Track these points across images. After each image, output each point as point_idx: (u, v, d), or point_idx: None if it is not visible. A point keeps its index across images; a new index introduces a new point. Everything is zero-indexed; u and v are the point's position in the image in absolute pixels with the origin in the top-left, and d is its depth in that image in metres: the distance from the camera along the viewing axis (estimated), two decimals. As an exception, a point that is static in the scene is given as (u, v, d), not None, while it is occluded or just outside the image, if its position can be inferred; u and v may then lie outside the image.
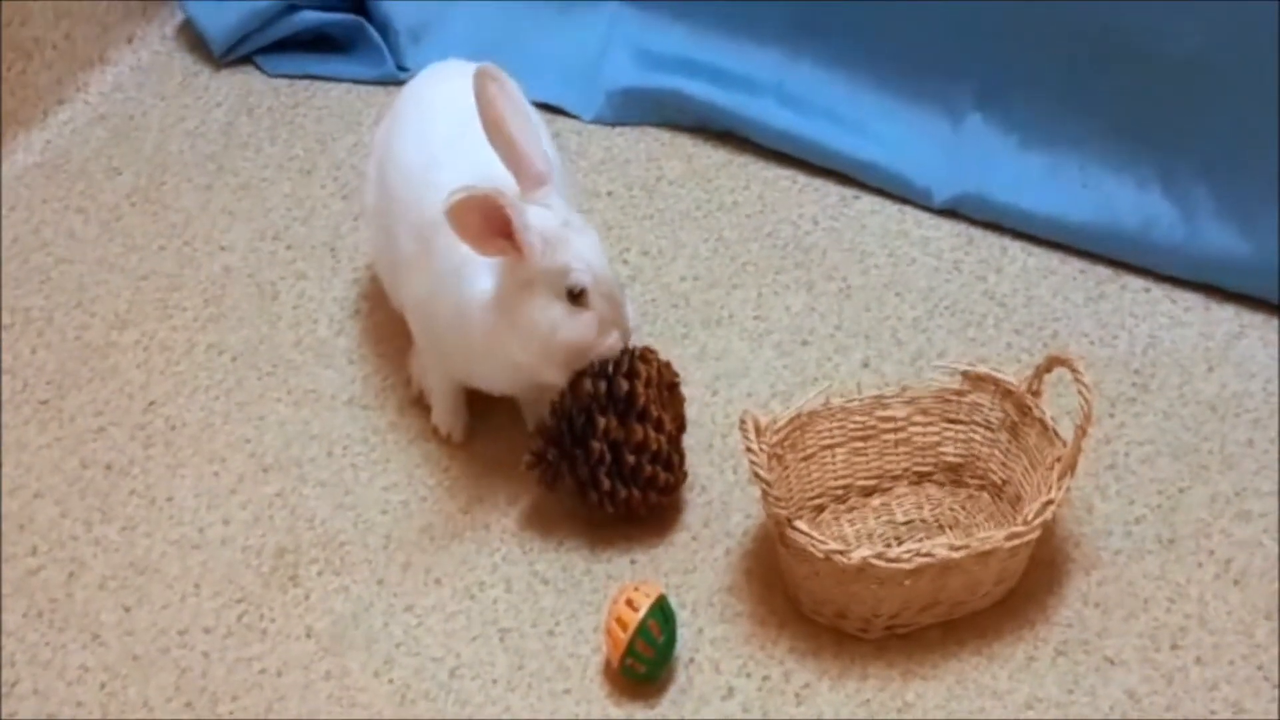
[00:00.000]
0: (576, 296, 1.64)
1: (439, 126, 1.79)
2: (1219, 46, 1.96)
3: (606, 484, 1.70)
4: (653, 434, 1.70)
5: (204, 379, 1.93)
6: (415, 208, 1.74)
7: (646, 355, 1.71)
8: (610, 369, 1.68)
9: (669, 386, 1.74)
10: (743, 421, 1.63)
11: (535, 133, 1.67)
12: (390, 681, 1.62)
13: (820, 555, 1.56)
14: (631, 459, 1.69)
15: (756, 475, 1.58)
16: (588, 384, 1.68)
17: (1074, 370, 1.62)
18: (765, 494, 1.58)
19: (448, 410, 1.84)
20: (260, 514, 1.78)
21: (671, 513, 1.76)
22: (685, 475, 1.75)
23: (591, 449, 1.69)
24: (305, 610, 1.69)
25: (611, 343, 1.67)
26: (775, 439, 1.67)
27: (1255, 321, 1.97)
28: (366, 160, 1.93)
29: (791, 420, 1.70)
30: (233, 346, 1.97)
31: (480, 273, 1.66)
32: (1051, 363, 1.67)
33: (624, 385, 1.68)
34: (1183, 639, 1.64)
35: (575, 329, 1.65)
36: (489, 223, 1.58)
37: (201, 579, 1.72)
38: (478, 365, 1.73)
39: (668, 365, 1.74)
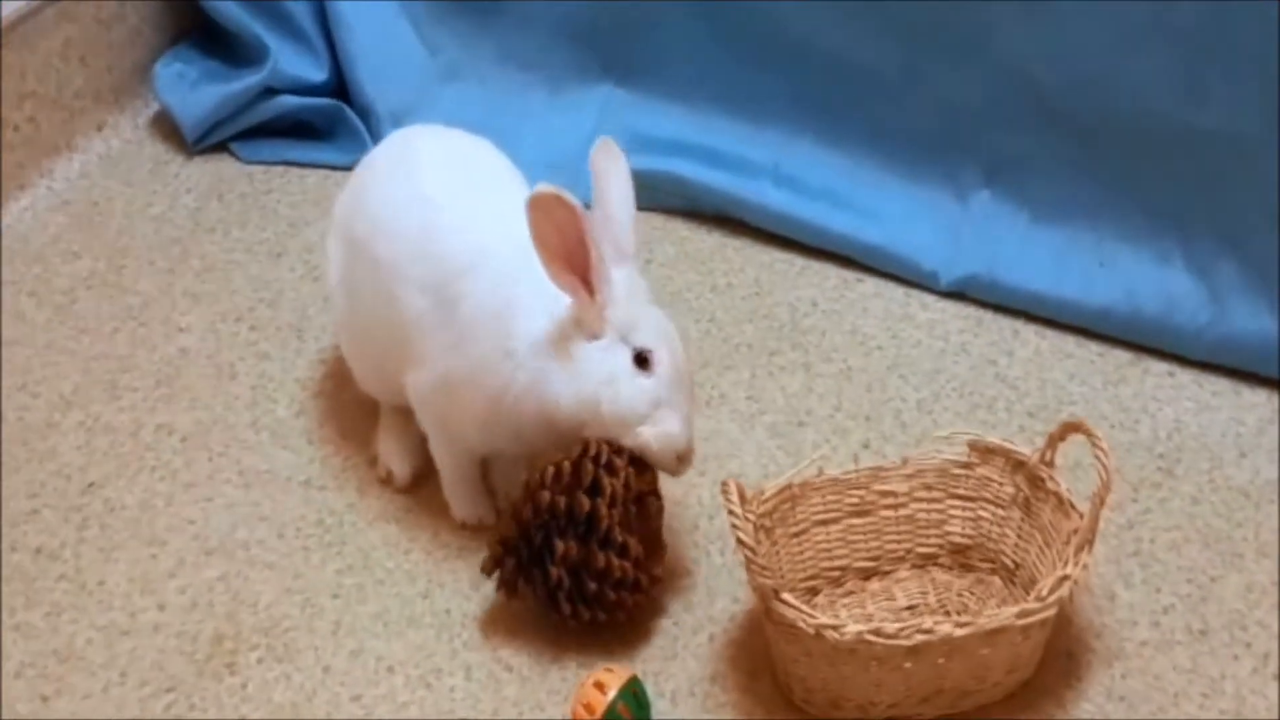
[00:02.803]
0: (641, 360, 1.50)
1: (428, 178, 1.66)
2: (1240, 115, 1.83)
3: (567, 608, 1.52)
4: (616, 561, 1.51)
5: (150, 460, 1.79)
6: (420, 264, 1.59)
7: (614, 464, 1.50)
8: (569, 482, 1.50)
9: (638, 499, 1.54)
10: (725, 487, 1.47)
11: (632, 214, 1.56)
12: (331, 777, 1.46)
13: (810, 631, 1.39)
14: (593, 586, 1.51)
15: (740, 542, 1.42)
16: (545, 496, 1.51)
17: (1091, 436, 1.47)
18: (750, 562, 1.42)
19: (467, 499, 1.69)
20: (199, 598, 1.63)
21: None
22: (660, 579, 1.57)
23: (550, 573, 1.51)
24: (241, 700, 1.53)
25: (666, 440, 1.51)
26: (763, 509, 1.52)
27: (1292, 407, 1.83)
28: (327, 239, 1.78)
29: (781, 491, 1.54)
30: (183, 427, 1.83)
31: (532, 315, 1.52)
32: (1066, 430, 1.52)
33: (585, 504, 1.49)
34: (1218, 736, 1.48)
35: (631, 389, 1.50)
36: (563, 243, 1.46)
37: (128, 667, 1.56)
38: (502, 420, 1.55)
39: (639, 473, 1.53)
